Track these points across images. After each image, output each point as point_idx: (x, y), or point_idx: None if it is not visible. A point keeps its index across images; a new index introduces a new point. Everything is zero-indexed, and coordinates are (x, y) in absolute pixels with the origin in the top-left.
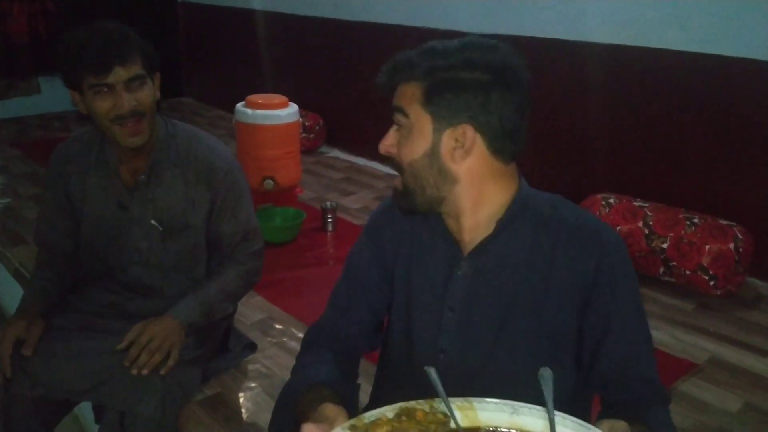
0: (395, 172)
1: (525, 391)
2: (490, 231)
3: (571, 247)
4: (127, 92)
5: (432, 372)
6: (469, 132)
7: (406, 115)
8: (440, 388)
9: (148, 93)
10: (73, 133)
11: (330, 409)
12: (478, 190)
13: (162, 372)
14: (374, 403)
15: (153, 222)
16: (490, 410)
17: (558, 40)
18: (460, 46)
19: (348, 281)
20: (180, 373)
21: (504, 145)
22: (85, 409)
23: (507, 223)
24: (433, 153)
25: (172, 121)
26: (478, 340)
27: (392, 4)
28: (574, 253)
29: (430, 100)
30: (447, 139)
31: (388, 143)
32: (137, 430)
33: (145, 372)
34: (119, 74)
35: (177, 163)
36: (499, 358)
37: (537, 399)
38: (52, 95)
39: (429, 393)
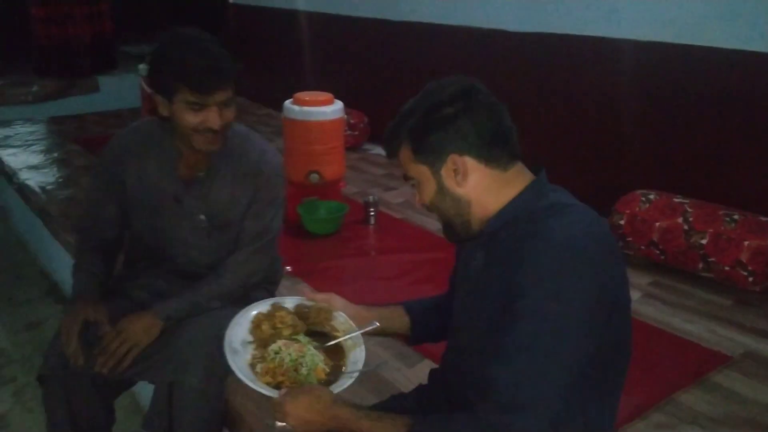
0: None
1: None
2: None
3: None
4: (219, 111)
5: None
6: (457, 160)
7: (410, 175)
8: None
9: (233, 111)
10: (117, 133)
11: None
12: (487, 200)
13: (119, 371)
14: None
15: (202, 217)
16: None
17: (599, 37)
18: (419, 98)
19: None
20: (222, 347)
21: (493, 152)
22: (141, 386)
23: (491, 234)
24: (441, 189)
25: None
26: (471, 321)
27: (436, 4)
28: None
29: (418, 154)
30: (445, 173)
31: (417, 200)
32: (184, 400)
33: (105, 371)
34: (217, 97)
35: (229, 163)
36: (483, 335)
37: None
38: (109, 94)
39: None
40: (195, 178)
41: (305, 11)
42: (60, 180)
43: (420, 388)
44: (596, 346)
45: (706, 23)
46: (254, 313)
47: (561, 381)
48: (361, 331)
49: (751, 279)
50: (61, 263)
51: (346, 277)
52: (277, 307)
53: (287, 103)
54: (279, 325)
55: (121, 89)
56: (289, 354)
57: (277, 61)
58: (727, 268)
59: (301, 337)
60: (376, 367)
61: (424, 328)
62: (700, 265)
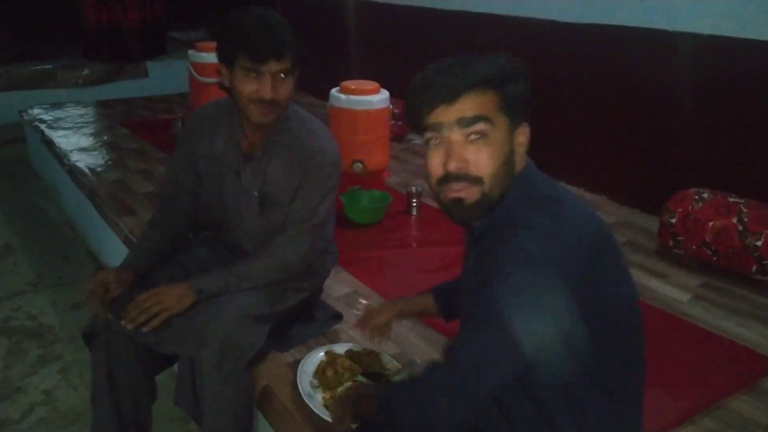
0: None
1: None
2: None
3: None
4: (273, 81)
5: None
6: (527, 130)
7: (491, 122)
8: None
9: (288, 86)
10: (176, 113)
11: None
12: (505, 182)
13: (145, 329)
14: None
15: (256, 194)
16: None
17: (654, 29)
18: (496, 56)
19: None
20: (242, 327)
21: None
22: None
23: (481, 232)
24: (510, 158)
25: (294, 107)
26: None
27: None
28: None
29: (505, 105)
30: (516, 141)
31: (463, 160)
32: (203, 376)
33: (129, 326)
34: (272, 66)
35: (287, 146)
36: None
37: None
38: (157, 79)
39: None
40: (254, 154)
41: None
42: (109, 162)
43: None
44: (593, 346)
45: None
46: (317, 358)
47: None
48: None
49: None
50: (108, 245)
51: (387, 268)
52: (333, 354)
53: (334, 91)
54: (340, 370)
55: (169, 75)
56: None
57: (323, 49)
58: None
59: (361, 378)
60: None
61: (450, 306)
62: (754, 268)
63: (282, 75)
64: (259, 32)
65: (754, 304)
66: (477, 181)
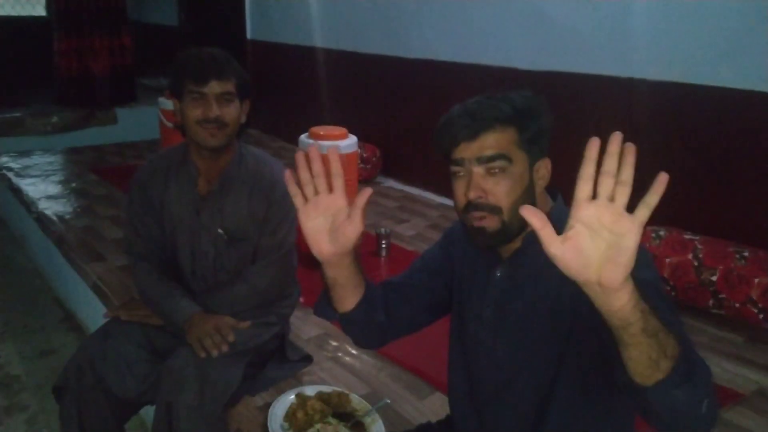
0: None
1: (541, 380)
2: (519, 244)
3: None
4: (217, 103)
5: None
6: (548, 164)
7: (509, 159)
8: None
9: (233, 110)
10: (148, 158)
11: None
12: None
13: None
14: None
15: (220, 231)
16: None
17: (609, 76)
18: (515, 93)
19: (411, 276)
20: (219, 367)
21: None
22: (147, 409)
23: (532, 239)
24: (530, 191)
25: (246, 145)
26: (507, 334)
27: (448, 42)
28: None
29: (525, 141)
30: (536, 174)
31: (481, 191)
32: (181, 419)
33: (215, 352)
34: (214, 86)
35: (245, 180)
36: (521, 348)
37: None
38: (127, 125)
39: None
40: (211, 192)
41: (321, 48)
42: (78, 209)
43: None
44: None
45: (714, 63)
46: (288, 400)
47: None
48: (376, 407)
49: (761, 316)
50: (76, 291)
51: None
52: (303, 397)
53: (303, 137)
54: (311, 412)
55: (138, 121)
56: None
57: (292, 95)
58: (737, 305)
59: (331, 420)
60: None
61: (367, 309)
62: (711, 302)
63: (226, 98)
64: (201, 58)
65: (713, 336)
66: (496, 210)
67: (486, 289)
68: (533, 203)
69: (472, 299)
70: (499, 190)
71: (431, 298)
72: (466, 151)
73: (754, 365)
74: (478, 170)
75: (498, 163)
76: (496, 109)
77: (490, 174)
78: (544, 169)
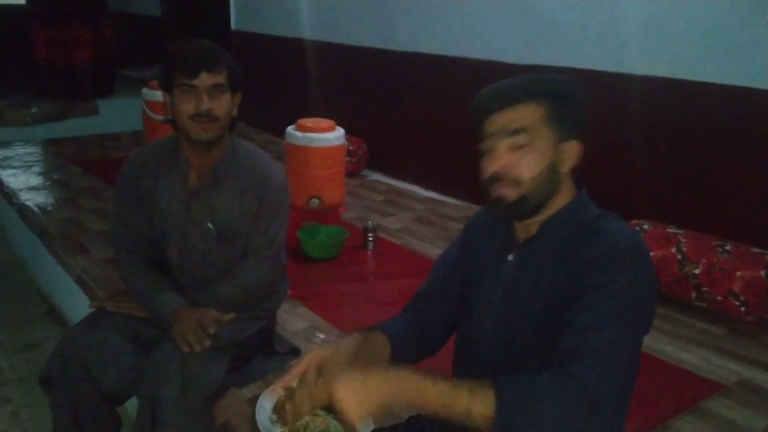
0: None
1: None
2: (534, 231)
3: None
4: (208, 96)
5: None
6: (577, 147)
7: (534, 134)
8: None
9: (225, 103)
10: (130, 151)
11: (373, 338)
12: (561, 195)
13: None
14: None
15: (210, 225)
16: None
17: (596, 71)
18: (551, 74)
19: (435, 275)
20: (203, 362)
21: None
22: (130, 402)
23: (547, 228)
24: (554, 167)
25: (239, 139)
26: (515, 318)
27: (435, 35)
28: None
29: (553, 119)
30: (561, 154)
31: (504, 164)
32: (164, 413)
33: (198, 348)
34: (204, 79)
35: (237, 176)
36: (527, 333)
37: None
38: (109, 117)
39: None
40: (202, 186)
41: (307, 39)
42: (60, 201)
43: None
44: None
45: (701, 58)
46: (275, 394)
47: (635, 353)
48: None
49: (743, 309)
50: (59, 284)
51: (344, 301)
52: (291, 389)
53: (290, 129)
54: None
55: (119, 113)
56: (317, 426)
57: (278, 88)
58: (720, 298)
59: (320, 412)
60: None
61: (401, 350)
62: (694, 295)
63: (217, 90)
64: (191, 50)
65: (696, 329)
66: (516, 182)
67: (498, 272)
68: (557, 182)
69: (484, 283)
70: (521, 163)
71: (453, 291)
72: (494, 124)
73: (736, 357)
74: (503, 145)
75: (521, 138)
76: (527, 83)
77: (513, 149)
78: (571, 150)
